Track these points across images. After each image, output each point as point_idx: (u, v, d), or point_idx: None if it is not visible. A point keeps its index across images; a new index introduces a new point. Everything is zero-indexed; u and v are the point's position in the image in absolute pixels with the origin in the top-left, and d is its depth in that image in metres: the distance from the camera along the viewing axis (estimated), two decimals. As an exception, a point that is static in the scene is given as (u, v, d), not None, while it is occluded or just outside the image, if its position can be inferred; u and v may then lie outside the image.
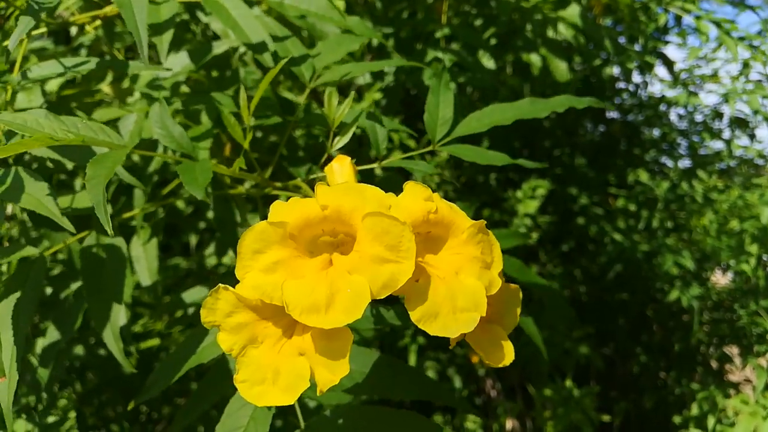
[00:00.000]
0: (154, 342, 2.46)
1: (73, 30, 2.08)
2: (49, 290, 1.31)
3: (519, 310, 0.80)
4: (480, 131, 1.12)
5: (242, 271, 0.66)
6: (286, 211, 0.68)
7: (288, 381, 0.66)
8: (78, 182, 1.30)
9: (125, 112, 1.09)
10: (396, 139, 2.18)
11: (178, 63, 1.25)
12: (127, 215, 1.18)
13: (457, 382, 2.91)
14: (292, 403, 0.65)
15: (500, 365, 0.74)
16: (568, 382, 2.78)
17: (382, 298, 0.63)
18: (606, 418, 2.99)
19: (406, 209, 0.69)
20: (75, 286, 1.22)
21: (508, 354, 0.75)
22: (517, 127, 3.18)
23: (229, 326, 0.70)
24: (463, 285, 0.68)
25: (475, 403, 3.16)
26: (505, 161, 1.10)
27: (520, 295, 0.81)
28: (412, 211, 0.69)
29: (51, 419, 1.36)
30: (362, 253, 0.64)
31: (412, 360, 2.76)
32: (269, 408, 0.85)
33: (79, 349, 1.47)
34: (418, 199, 0.71)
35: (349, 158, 0.94)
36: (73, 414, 1.52)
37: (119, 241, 1.04)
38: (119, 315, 0.98)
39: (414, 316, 0.64)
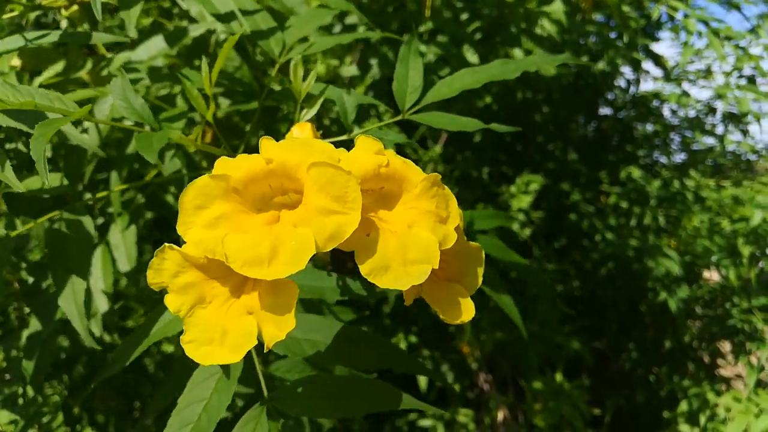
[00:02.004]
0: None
1: (63, 24, 2.08)
2: (31, 280, 1.31)
3: (482, 270, 0.78)
4: (451, 96, 1.10)
5: (184, 227, 0.64)
6: (231, 165, 0.66)
7: (235, 340, 0.65)
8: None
9: (99, 93, 1.08)
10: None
11: (154, 47, 1.24)
12: (100, 195, 1.17)
13: (450, 377, 2.92)
14: (238, 361, 0.64)
15: (457, 322, 0.72)
16: (559, 376, 2.79)
17: (329, 250, 0.62)
18: (597, 412, 3.00)
19: (356, 162, 0.68)
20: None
21: (466, 311, 0.73)
22: (510, 121, 3.18)
23: (176, 287, 0.68)
24: (415, 238, 0.66)
25: (467, 398, 3.17)
26: (478, 126, 1.07)
27: (483, 254, 0.79)
28: (362, 164, 0.68)
29: (35, 411, 1.36)
30: (308, 206, 0.63)
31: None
32: (231, 379, 0.84)
33: (64, 342, 1.46)
34: (368, 152, 0.70)
35: (310, 124, 0.94)
36: (54, 399, 1.52)
37: (86, 220, 1.03)
38: (83, 291, 0.97)
39: (364, 269, 0.63)
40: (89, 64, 1.33)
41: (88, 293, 1.24)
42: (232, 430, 0.80)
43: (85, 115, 0.83)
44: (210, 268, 0.68)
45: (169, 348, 2.47)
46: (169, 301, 0.69)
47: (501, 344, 2.86)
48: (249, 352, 0.93)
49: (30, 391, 1.32)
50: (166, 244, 0.68)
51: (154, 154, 0.83)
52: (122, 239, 1.27)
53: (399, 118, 1.09)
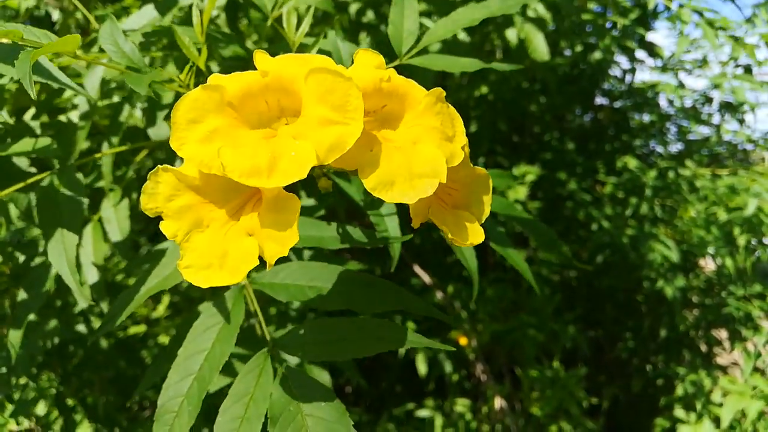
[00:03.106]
0: (141, 328, 2.46)
1: (56, 15, 2.07)
2: (21, 258, 1.31)
3: (489, 199, 0.76)
4: (448, 37, 1.06)
5: (178, 142, 0.61)
6: (225, 80, 0.63)
7: (235, 261, 0.62)
8: (35, 122, 1.29)
9: (90, 59, 1.08)
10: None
11: (146, 16, 1.22)
12: (97, 156, 1.17)
13: (448, 367, 2.93)
14: (239, 281, 0.62)
15: (467, 244, 0.71)
16: (556, 364, 2.80)
17: (330, 162, 0.59)
18: (594, 401, 3.02)
19: (357, 75, 0.64)
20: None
21: (475, 234, 0.72)
22: (507, 112, 3.18)
23: (171, 211, 0.66)
24: (421, 152, 0.64)
25: (464, 387, 3.18)
26: (477, 66, 1.04)
27: (490, 183, 0.77)
28: (362, 77, 0.65)
29: (22, 395, 1.36)
30: (307, 117, 0.60)
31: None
32: (233, 326, 0.84)
33: (56, 328, 1.47)
34: (369, 66, 0.67)
35: None
36: (51, 392, 1.52)
37: (77, 178, 1.02)
38: (74, 246, 0.96)
39: (368, 184, 0.61)
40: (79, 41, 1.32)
41: (78, 262, 1.25)
42: (236, 378, 0.79)
43: (73, 51, 0.82)
44: (206, 189, 0.66)
45: (165, 340, 2.47)
46: (165, 226, 0.66)
47: (498, 334, 2.87)
48: (248, 302, 0.93)
49: (22, 378, 1.32)
50: (159, 166, 0.65)
51: (144, 86, 0.82)
52: (114, 213, 1.27)
53: (396, 63, 1.06)
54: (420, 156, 0.64)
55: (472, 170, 0.75)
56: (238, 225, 0.66)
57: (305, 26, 0.97)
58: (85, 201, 1.02)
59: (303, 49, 0.98)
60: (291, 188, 0.61)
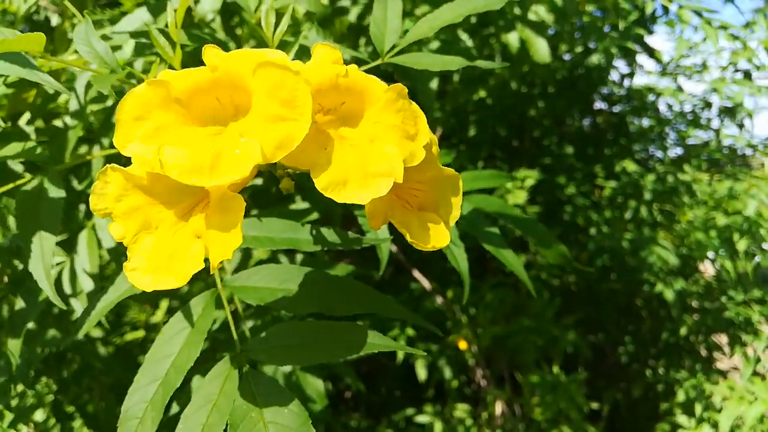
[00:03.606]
0: (139, 334, 2.46)
1: (55, 20, 2.07)
2: (20, 266, 1.31)
3: (459, 201, 0.73)
4: (431, 34, 1.02)
5: (122, 140, 0.59)
6: (173, 75, 0.61)
7: (181, 264, 0.61)
8: (30, 128, 1.28)
9: (78, 63, 1.07)
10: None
11: (137, 19, 1.22)
12: (89, 157, 1.17)
13: (447, 373, 2.92)
14: (182, 285, 0.60)
15: (428, 247, 0.67)
16: (556, 369, 2.79)
17: (277, 160, 0.57)
18: (595, 405, 3.00)
19: (312, 71, 0.62)
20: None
21: (438, 237, 0.69)
22: (506, 116, 3.18)
23: (120, 211, 0.64)
24: (377, 151, 0.61)
25: (464, 393, 3.17)
26: (462, 64, 1.00)
27: (460, 183, 0.73)
28: (318, 72, 0.62)
29: (21, 402, 1.35)
30: (255, 114, 0.58)
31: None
32: (200, 332, 0.82)
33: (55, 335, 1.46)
34: (325, 61, 0.63)
35: None
36: (49, 399, 1.51)
37: (58, 183, 1.01)
38: (51, 250, 0.95)
39: (320, 184, 0.58)
40: (73, 45, 1.33)
41: (73, 273, 1.24)
42: (203, 380, 0.77)
43: (39, 50, 0.81)
44: (155, 190, 0.64)
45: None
46: (113, 228, 0.65)
47: (498, 339, 2.86)
48: (222, 305, 0.91)
49: (19, 386, 1.31)
50: (108, 165, 0.63)
51: (107, 86, 0.81)
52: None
53: (378, 62, 1.03)
54: (375, 154, 0.61)
55: (440, 171, 0.72)
56: (187, 227, 0.64)
57: (284, 25, 0.95)
58: (61, 201, 1.01)
59: (284, 47, 0.96)
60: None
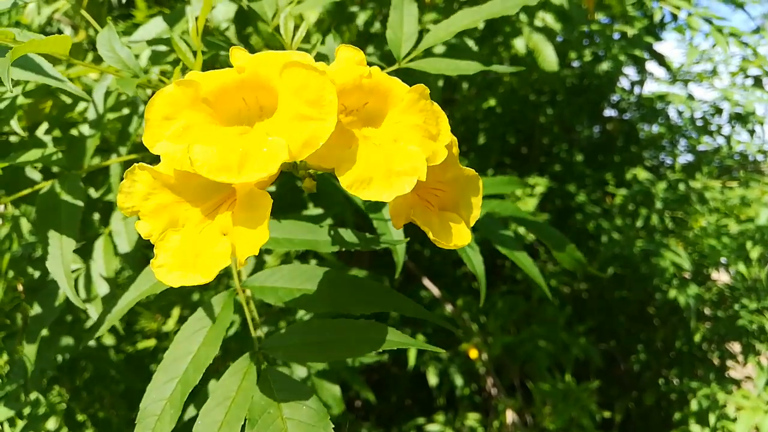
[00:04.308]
0: (151, 343, 2.46)
1: (67, 32, 2.10)
2: (36, 274, 1.32)
3: (479, 201, 0.74)
4: (448, 39, 1.04)
5: (151, 140, 0.60)
6: (201, 76, 0.62)
7: (208, 261, 0.61)
8: (47, 137, 1.30)
9: (98, 70, 1.09)
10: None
11: (154, 29, 1.24)
12: (105, 163, 1.19)
13: (458, 381, 2.91)
14: (209, 281, 0.61)
15: (450, 245, 0.69)
16: (567, 377, 2.77)
17: (304, 158, 0.58)
18: (607, 414, 2.98)
19: (336, 71, 0.63)
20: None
21: (459, 236, 0.70)
22: (515, 124, 3.18)
23: (147, 210, 0.65)
24: (400, 149, 0.63)
25: (475, 402, 3.15)
26: (478, 68, 1.02)
27: (480, 183, 0.74)
28: (342, 73, 0.64)
29: (33, 410, 1.36)
30: (282, 113, 0.59)
31: (412, 358, 2.76)
32: (220, 329, 0.82)
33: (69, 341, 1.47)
34: (350, 62, 0.65)
35: None
36: (61, 407, 1.52)
37: (78, 186, 1.04)
38: (70, 252, 0.96)
39: (344, 181, 0.59)
40: (90, 57, 1.34)
41: (88, 279, 1.26)
42: (220, 379, 0.78)
43: (64, 53, 0.82)
44: (182, 188, 0.65)
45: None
46: (141, 226, 0.66)
47: (509, 347, 2.85)
48: (240, 305, 0.92)
49: (32, 393, 1.33)
50: (136, 164, 0.64)
51: (132, 87, 0.83)
52: (124, 226, 1.28)
53: (395, 67, 1.04)
54: (399, 153, 0.62)
55: (461, 171, 0.73)
56: (213, 224, 0.64)
57: (302, 32, 0.97)
58: (80, 204, 1.02)
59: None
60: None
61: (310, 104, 0.58)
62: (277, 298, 0.87)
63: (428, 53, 1.09)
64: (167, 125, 0.60)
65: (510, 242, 1.14)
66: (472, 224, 0.73)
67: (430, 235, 0.67)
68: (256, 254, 0.59)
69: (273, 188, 1.43)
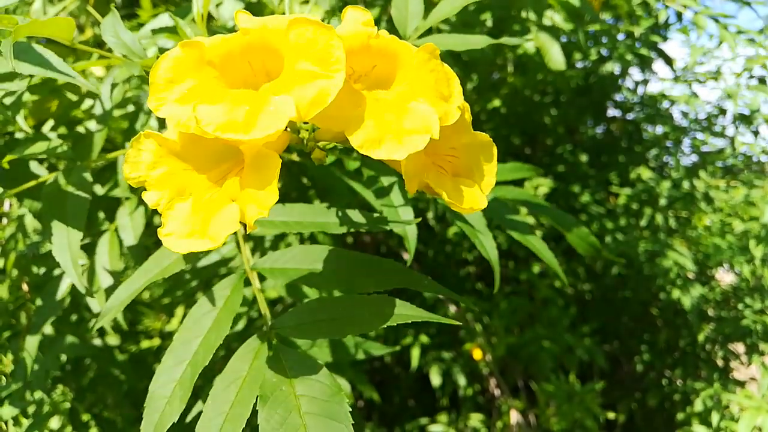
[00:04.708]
0: (155, 342, 2.47)
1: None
2: (41, 271, 1.32)
3: (493, 168, 0.72)
4: (454, 13, 1.03)
5: (156, 102, 0.59)
6: (207, 39, 0.61)
7: (216, 227, 0.60)
8: (53, 134, 1.30)
9: (103, 63, 1.09)
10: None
11: (159, 24, 1.24)
12: (110, 155, 1.18)
13: (462, 381, 2.90)
14: (218, 246, 0.60)
15: (465, 208, 0.67)
16: (571, 378, 2.77)
17: (312, 116, 0.56)
18: (611, 415, 2.98)
19: (344, 32, 0.61)
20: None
21: (473, 200, 0.68)
22: (519, 125, 3.17)
23: (154, 179, 0.64)
24: (412, 109, 0.61)
25: (479, 403, 3.15)
26: (486, 42, 1.01)
27: (494, 150, 0.72)
28: (350, 33, 0.62)
29: (37, 409, 1.37)
30: (288, 72, 0.58)
31: (415, 358, 2.75)
32: (230, 311, 0.82)
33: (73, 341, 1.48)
34: (356, 23, 0.63)
35: None
36: (65, 407, 1.52)
37: (85, 176, 1.04)
38: (77, 242, 0.96)
39: (355, 141, 0.58)
40: (95, 57, 1.35)
41: (92, 274, 1.26)
42: (230, 358, 0.77)
43: (68, 38, 0.82)
44: (189, 155, 0.65)
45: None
46: (148, 196, 0.65)
47: (512, 348, 2.85)
48: (251, 285, 0.91)
49: (37, 393, 1.32)
50: (142, 132, 0.64)
51: (137, 69, 0.84)
52: (130, 221, 1.27)
53: None
54: (410, 111, 0.60)
55: (474, 136, 0.71)
56: (221, 191, 0.64)
57: (309, 9, 0.97)
58: (87, 194, 1.02)
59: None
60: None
61: (318, 61, 0.57)
62: (287, 278, 0.86)
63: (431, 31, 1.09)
64: (172, 88, 0.59)
65: (521, 226, 1.13)
66: (486, 192, 0.71)
67: (445, 197, 0.66)
68: (266, 216, 0.58)
69: (279, 185, 1.43)
